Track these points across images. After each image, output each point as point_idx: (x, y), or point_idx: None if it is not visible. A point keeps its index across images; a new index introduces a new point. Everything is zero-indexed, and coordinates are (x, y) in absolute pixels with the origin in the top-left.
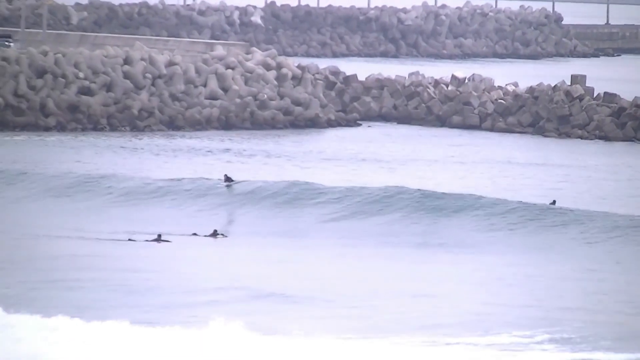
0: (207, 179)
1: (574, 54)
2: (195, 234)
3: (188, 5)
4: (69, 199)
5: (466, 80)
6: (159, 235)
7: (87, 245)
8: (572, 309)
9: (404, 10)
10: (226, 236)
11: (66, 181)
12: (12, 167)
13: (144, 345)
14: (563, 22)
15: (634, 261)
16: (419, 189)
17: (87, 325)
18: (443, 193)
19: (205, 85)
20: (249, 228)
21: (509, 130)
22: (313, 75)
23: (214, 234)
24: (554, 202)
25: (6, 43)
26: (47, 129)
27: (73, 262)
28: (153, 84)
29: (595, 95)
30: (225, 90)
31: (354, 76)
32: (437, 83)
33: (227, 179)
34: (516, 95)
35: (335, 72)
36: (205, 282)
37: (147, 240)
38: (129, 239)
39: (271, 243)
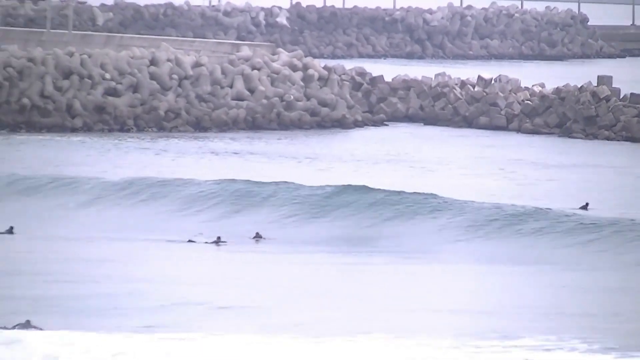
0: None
1: (600, 54)
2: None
3: (213, 6)
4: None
5: (492, 81)
6: (218, 238)
7: (146, 246)
8: (602, 314)
9: (430, 11)
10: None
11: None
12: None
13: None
14: (589, 23)
15: None
16: (432, 193)
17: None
18: (465, 201)
19: (231, 86)
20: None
21: (535, 131)
22: (339, 76)
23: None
24: (586, 206)
25: None
26: (73, 130)
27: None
28: (179, 85)
29: (621, 97)
30: (251, 91)
31: (381, 77)
32: (463, 84)
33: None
34: (543, 96)
35: (362, 73)
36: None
37: (206, 242)
38: (189, 240)
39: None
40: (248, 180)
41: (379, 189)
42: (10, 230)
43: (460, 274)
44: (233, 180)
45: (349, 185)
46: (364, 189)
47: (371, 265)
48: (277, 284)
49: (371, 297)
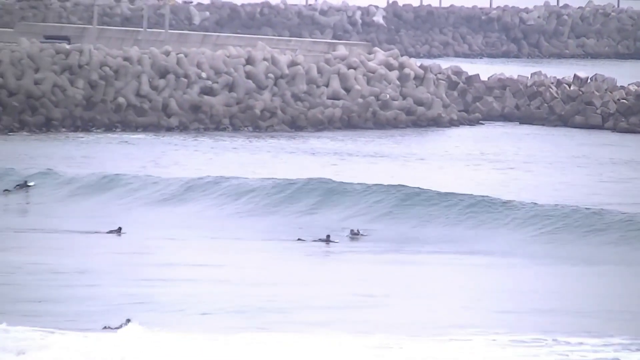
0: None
1: None
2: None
3: (310, 5)
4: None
5: (588, 80)
6: (328, 236)
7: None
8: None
9: (526, 10)
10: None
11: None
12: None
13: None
14: None
15: None
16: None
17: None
18: (535, 203)
19: (327, 85)
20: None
21: (631, 130)
22: (435, 75)
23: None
24: None
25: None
26: (169, 129)
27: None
28: (275, 84)
29: None
30: (347, 90)
31: (477, 76)
32: (559, 83)
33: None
34: (638, 95)
35: (458, 72)
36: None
37: (314, 241)
38: (298, 239)
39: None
40: (339, 181)
41: (458, 193)
42: (118, 231)
43: (550, 274)
44: (324, 179)
45: (448, 192)
46: (452, 193)
47: (465, 265)
48: (376, 283)
49: (465, 296)
